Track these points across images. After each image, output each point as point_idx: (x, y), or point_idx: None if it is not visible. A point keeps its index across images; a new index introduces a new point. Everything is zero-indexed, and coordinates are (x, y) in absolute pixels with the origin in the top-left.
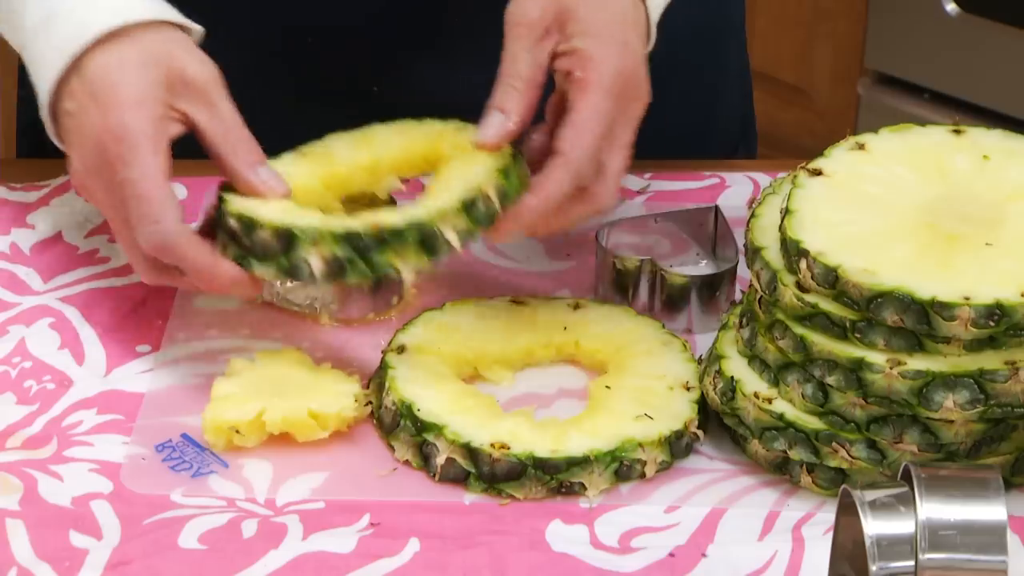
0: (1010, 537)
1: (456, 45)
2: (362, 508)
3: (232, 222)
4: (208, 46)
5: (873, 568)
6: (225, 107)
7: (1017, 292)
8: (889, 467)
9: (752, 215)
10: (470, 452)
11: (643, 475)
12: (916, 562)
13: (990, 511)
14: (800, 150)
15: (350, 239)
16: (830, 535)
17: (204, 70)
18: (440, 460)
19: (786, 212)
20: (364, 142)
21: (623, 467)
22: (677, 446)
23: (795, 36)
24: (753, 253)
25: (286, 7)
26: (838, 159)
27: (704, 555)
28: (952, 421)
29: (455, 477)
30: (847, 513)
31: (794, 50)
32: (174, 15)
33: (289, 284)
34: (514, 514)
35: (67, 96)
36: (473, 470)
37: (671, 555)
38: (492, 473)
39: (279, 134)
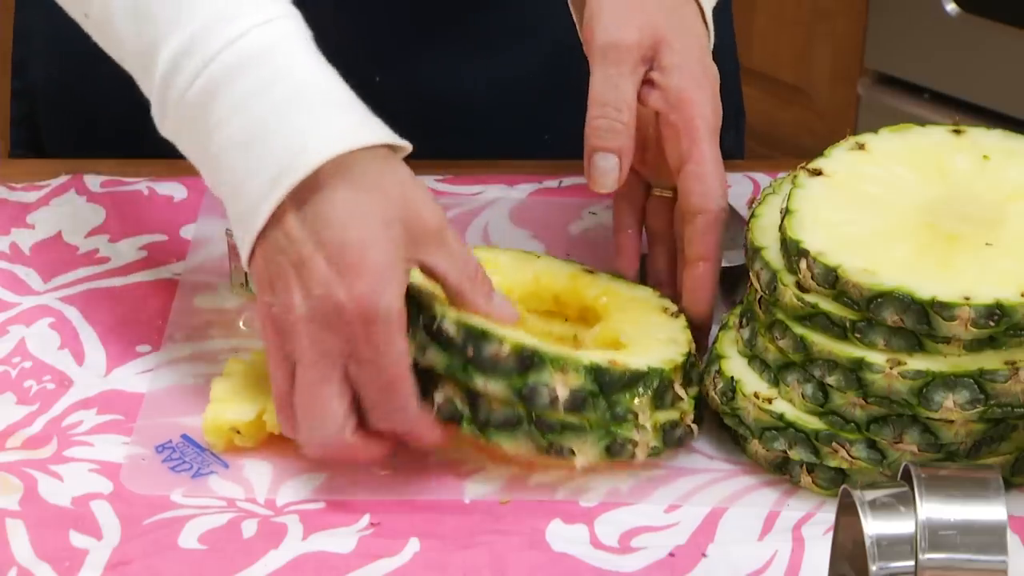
0: (1010, 537)
1: (460, 37)
2: (362, 508)
3: (450, 329)
4: None
5: (873, 568)
6: (457, 244)
7: (1017, 292)
8: (889, 467)
9: (752, 215)
10: (469, 395)
11: (633, 456)
12: (916, 562)
13: (990, 511)
14: (800, 150)
15: (596, 372)
16: (830, 535)
17: (436, 212)
18: (439, 398)
19: (786, 212)
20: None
21: (615, 444)
22: (670, 435)
23: (795, 36)
24: (753, 253)
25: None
26: (838, 159)
27: (704, 555)
28: (952, 421)
29: (450, 416)
30: (847, 513)
31: (794, 50)
32: (390, 134)
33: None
34: (514, 514)
35: (282, 232)
36: (467, 413)
37: (671, 555)
38: (487, 419)
39: None
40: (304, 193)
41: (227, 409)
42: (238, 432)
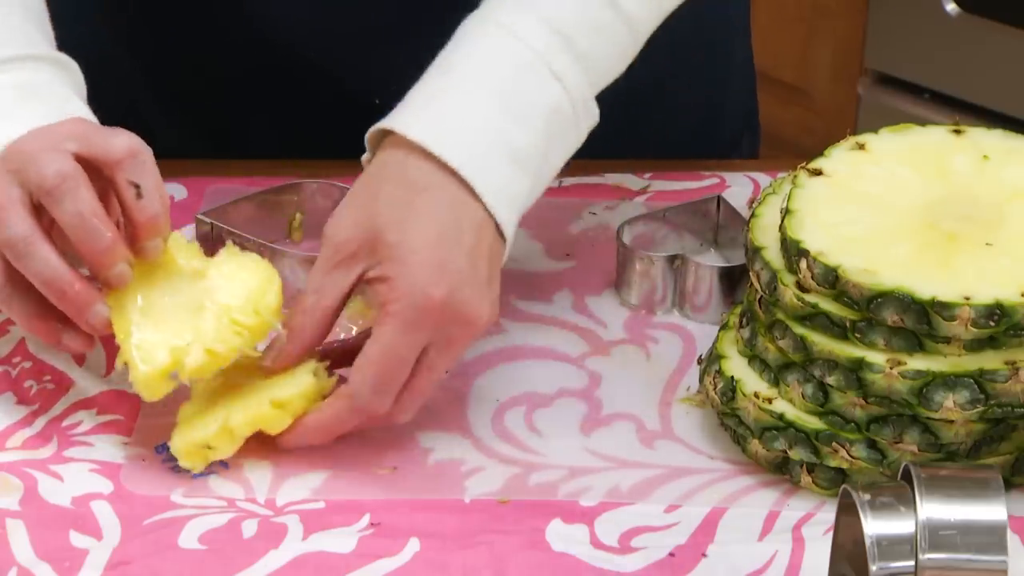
0: (1010, 537)
1: None
2: (362, 508)
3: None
4: (206, 58)
5: (873, 568)
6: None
7: (1017, 292)
8: (889, 467)
9: (752, 215)
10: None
11: None
12: (916, 562)
13: (990, 511)
14: (800, 150)
15: None
16: (830, 535)
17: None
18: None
19: (786, 212)
20: None
21: None
22: None
23: (795, 35)
24: (753, 253)
25: (287, 18)
26: (838, 159)
27: (704, 555)
28: (952, 421)
29: None
30: (847, 513)
31: (794, 49)
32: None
33: None
34: (514, 514)
35: None
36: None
37: (671, 555)
38: None
39: (280, 145)
40: None
41: (191, 429)
42: (210, 448)
